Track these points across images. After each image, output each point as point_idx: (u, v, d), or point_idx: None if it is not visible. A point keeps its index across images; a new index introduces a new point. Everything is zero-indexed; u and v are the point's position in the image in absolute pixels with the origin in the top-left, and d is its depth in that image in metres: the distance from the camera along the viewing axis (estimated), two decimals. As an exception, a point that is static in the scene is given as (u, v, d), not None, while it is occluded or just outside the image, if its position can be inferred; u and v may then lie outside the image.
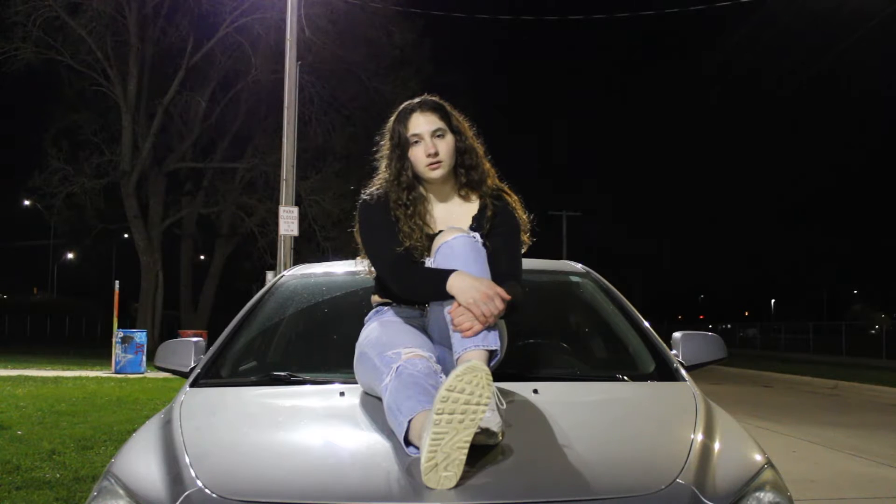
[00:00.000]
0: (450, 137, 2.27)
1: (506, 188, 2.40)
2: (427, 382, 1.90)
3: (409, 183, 2.27)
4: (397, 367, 1.95)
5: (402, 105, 2.33)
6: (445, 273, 2.04)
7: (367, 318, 2.35)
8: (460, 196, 2.35)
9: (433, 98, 2.34)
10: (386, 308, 2.32)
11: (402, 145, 2.27)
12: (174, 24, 24.21)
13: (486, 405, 1.72)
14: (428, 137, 2.24)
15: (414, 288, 2.17)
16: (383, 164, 2.35)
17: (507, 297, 2.00)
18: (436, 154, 2.23)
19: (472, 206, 2.34)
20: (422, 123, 2.25)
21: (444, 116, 2.29)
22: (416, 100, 2.32)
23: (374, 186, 2.35)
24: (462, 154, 2.31)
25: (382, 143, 2.37)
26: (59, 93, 24.49)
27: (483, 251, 2.13)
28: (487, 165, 2.38)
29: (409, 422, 1.81)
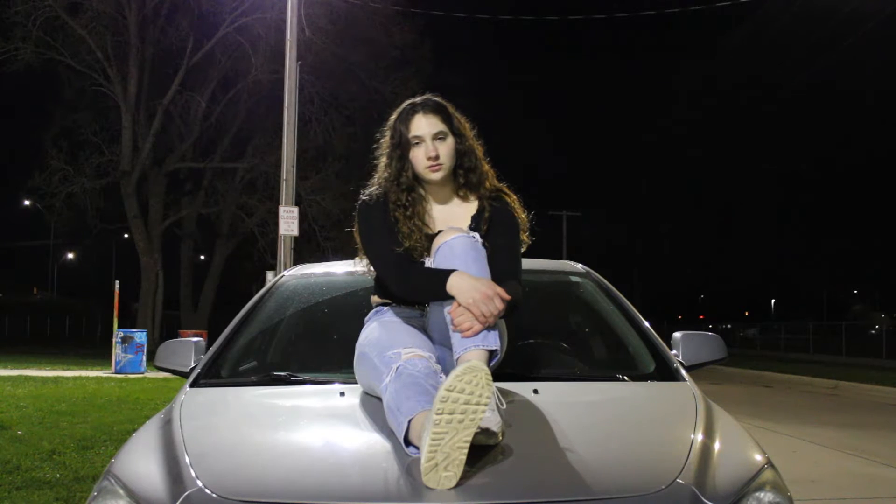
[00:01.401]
0: (450, 140, 2.27)
1: (504, 188, 2.40)
2: (427, 382, 1.90)
3: (408, 184, 2.27)
4: (397, 367, 1.95)
5: (405, 103, 2.32)
6: (445, 273, 2.04)
7: (367, 318, 2.35)
8: (459, 196, 2.35)
9: (436, 98, 2.33)
10: (386, 308, 2.31)
11: (402, 145, 2.27)
12: (174, 24, 24.24)
13: (486, 405, 1.72)
14: (429, 140, 2.24)
15: (414, 288, 2.17)
16: (383, 161, 2.35)
17: (508, 297, 2.00)
18: (436, 157, 2.23)
19: (471, 206, 2.34)
20: (423, 126, 2.25)
21: (446, 119, 2.28)
22: (419, 99, 2.31)
23: (374, 186, 2.35)
24: (462, 156, 2.31)
25: (383, 139, 2.36)
26: (59, 93, 24.52)
27: (483, 251, 2.13)
28: (486, 167, 2.38)
29: (409, 422, 1.81)
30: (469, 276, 2.02)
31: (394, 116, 2.32)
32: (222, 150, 26.41)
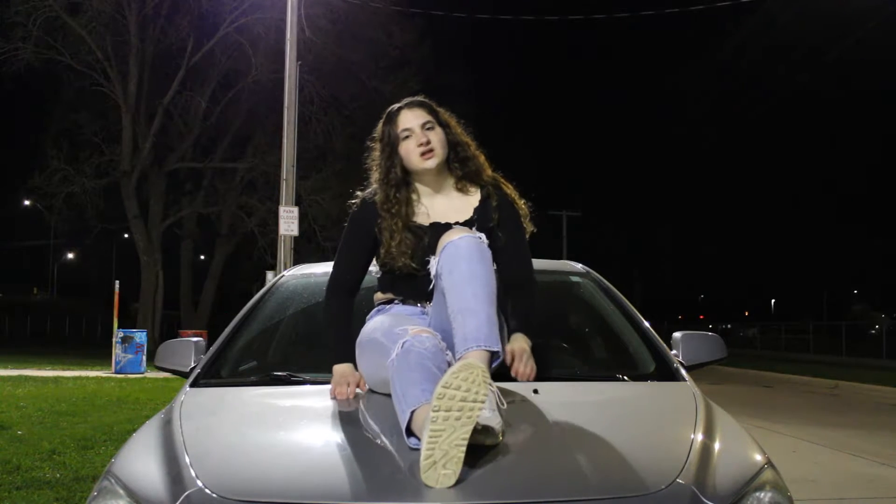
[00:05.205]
0: (440, 130, 2.32)
1: (500, 178, 2.43)
2: (433, 364, 1.90)
3: (397, 180, 2.30)
4: (404, 343, 1.95)
5: (388, 109, 2.38)
6: (342, 353, 2.26)
7: (368, 316, 2.36)
8: (458, 189, 2.36)
9: (418, 97, 2.39)
10: (389, 305, 2.33)
11: (391, 144, 2.31)
12: (174, 24, 24.20)
13: (482, 402, 1.72)
14: (418, 129, 2.28)
15: (326, 322, 2.39)
16: (374, 166, 2.39)
17: (362, 389, 2.21)
18: (427, 143, 2.27)
19: (473, 198, 2.35)
20: (411, 118, 2.30)
21: (431, 111, 2.34)
22: (402, 101, 2.37)
23: (368, 191, 2.39)
24: (454, 147, 2.34)
25: (374, 148, 2.39)
26: (59, 93, 24.50)
27: (488, 253, 2.12)
28: (482, 158, 2.40)
29: (413, 412, 1.81)
30: (349, 372, 2.22)
31: (380, 123, 2.37)
32: (222, 150, 26.40)
